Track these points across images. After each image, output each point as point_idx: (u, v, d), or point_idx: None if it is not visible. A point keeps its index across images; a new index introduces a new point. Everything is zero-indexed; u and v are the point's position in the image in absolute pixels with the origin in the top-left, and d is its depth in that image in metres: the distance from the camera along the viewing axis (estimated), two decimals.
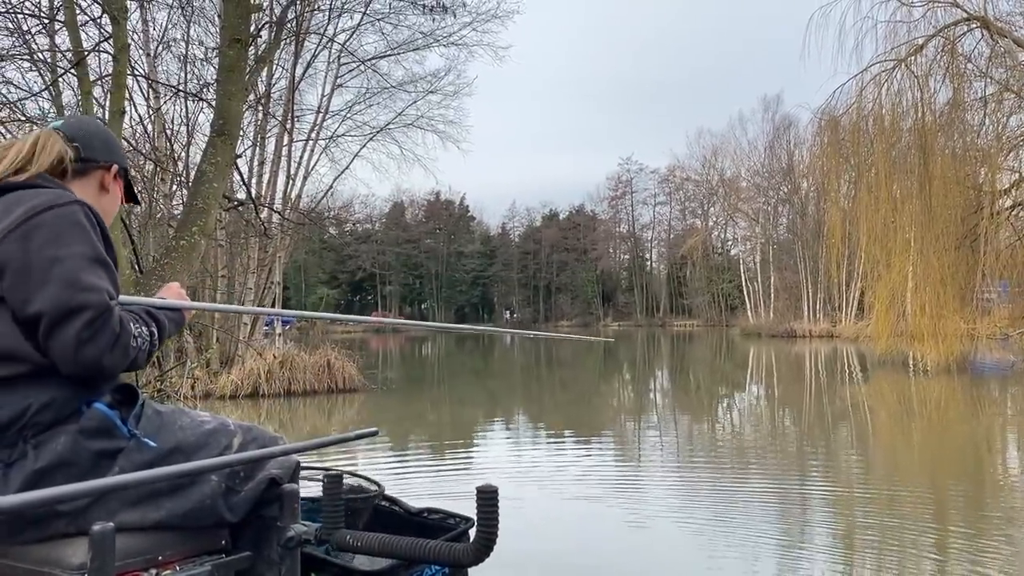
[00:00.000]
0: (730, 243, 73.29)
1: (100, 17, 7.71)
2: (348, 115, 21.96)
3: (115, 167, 1.83)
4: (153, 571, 1.52)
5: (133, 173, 2.11)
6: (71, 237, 1.54)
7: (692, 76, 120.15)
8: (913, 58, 14.47)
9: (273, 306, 19.23)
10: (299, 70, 18.81)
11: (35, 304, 1.49)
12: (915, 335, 14.78)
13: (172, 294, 1.87)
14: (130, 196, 1.94)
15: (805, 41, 16.98)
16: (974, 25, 14.47)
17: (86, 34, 8.07)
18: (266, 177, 18.55)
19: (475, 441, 9.86)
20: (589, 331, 68.95)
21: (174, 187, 14.49)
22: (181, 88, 13.55)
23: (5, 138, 8.60)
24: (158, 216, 14.07)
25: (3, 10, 7.91)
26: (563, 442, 9.49)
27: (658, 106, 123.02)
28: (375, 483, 2.66)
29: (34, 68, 9.73)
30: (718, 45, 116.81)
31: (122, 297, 1.66)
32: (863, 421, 11.54)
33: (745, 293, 60.13)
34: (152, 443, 1.59)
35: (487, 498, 1.35)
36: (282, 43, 15.42)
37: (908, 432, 10.48)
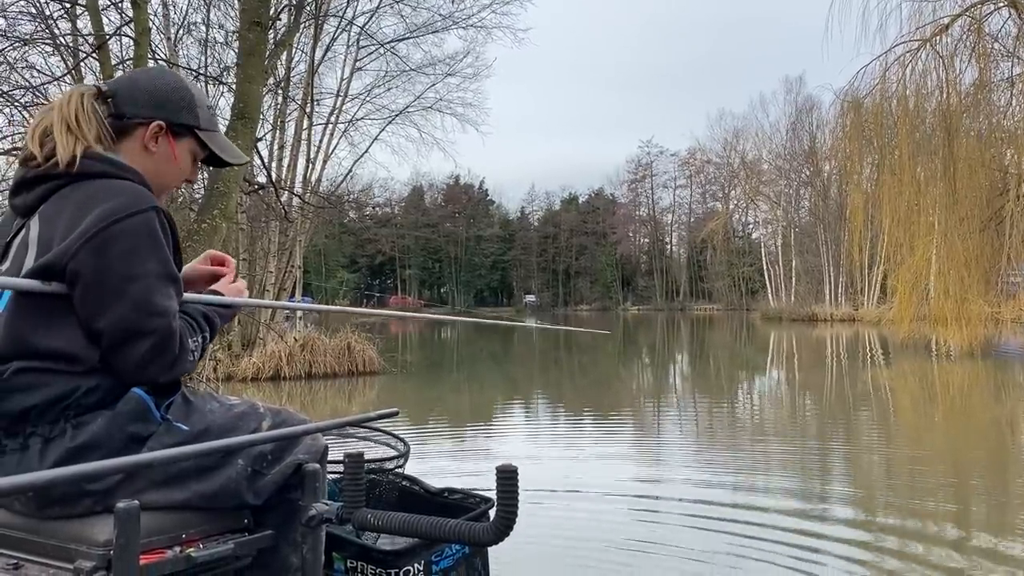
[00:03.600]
0: (751, 226, 72.94)
1: (121, 1, 7.75)
2: (367, 98, 21.98)
3: (155, 124, 1.68)
4: (177, 549, 1.54)
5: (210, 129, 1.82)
6: (145, 252, 1.52)
7: (713, 57, 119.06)
8: (938, 38, 14.24)
9: (293, 291, 19.35)
10: (318, 53, 18.84)
11: (103, 321, 1.50)
12: (938, 319, 14.63)
13: (232, 291, 1.85)
14: (212, 160, 1.82)
15: (828, 21, 16.74)
16: (1001, 4, 14.21)
17: (107, 18, 8.11)
18: (286, 161, 18.61)
19: (494, 422, 9.90)
20: (608, 315, 68.85)
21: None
22: (201, 72, 13.59)
23: (28, 123, 8.67)
24: (179, 199, 14.16)
25: None
26: (582, 424, 9.50)
27: (679, 88, 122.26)
28: (402, 441, 2.68)
29: (56, 53, 9.81)
30: (740, 26, 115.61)
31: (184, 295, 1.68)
32: (885, 403, 11.48)
33: (766, 277, 59.79)
34: (183, 427, 1.61)
35: (507, 478, 1.35)
36: (301, 26, 15.42)
37: (930, 414, 10.42)
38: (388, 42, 20.60)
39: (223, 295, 1.83)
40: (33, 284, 1.49)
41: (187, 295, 1.71)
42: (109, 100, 1.68)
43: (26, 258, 1.55)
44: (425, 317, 15.65)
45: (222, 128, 2.25)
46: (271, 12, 7.58)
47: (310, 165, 19.54)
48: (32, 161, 1.60)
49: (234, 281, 1.89)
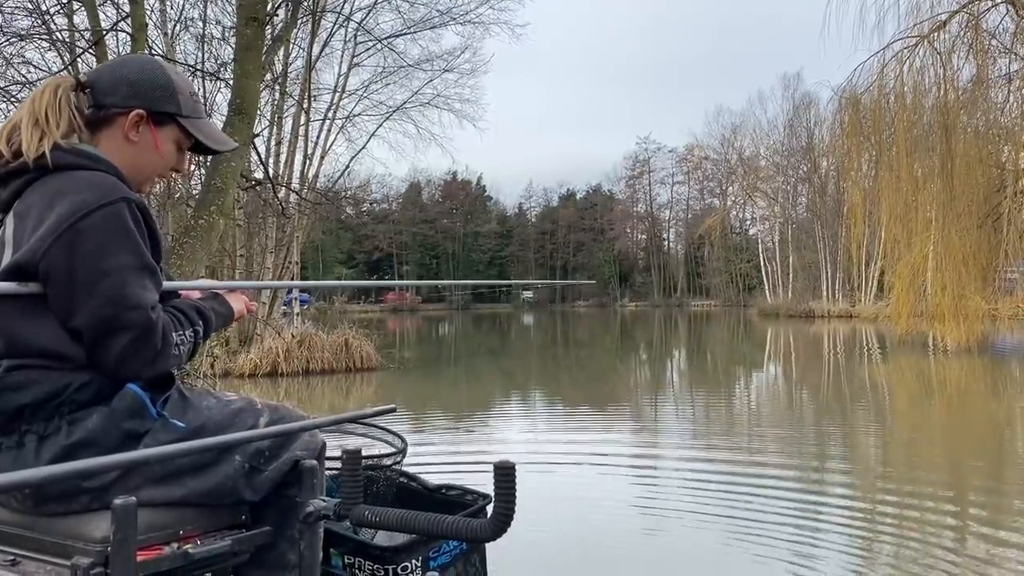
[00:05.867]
0: (748, 223, 72.95)
1: None
2: (364, 94, 22.00)
3: (134, 113, 1.64)
4: (174, 545, 1.54)
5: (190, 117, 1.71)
6: (118, 245, 1.49)
7: (711, 54, 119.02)
8: (936, 34, 14.24)
9: None
10: (316, 49, 18.82)
11: (78, 318, 1.48)
12: (935, 315, 14.66)
13: (236, 300, 1.82)
14: (202, 147, 1.77)
15: (826, 18, 16.86)
16: (999, 1, 14.22)
17: (104, 14, 8.08)
18: (283, 157, 18.61)
19: (492, 418, 9.90)
20: (605, 311, 68.90)
21: (192, 166, 14.54)
22: (199, 67, 13.55)
23: None
24: (176, 196, 14.14)
25: None
26: (580, 419, 9.51)
27: (677, 84, 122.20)
28: (400, 437, 2.68)
29: (53, 48, 9.77)
30: (738, 22, 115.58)
31: (172, 284, 1.66)
32: (881, 400, 11.49)
33: (763, 273, 59.80)
34: (179, 423, 1.60)
35: (504, 474, 1.34)
36: (299, 22, 15.39)
37: (927, 411, 10.43)
38: (385, 38, 20.59)
39: (221, 296, 1.81)
40: (9, 287, 1.48)
41: (177, 284, 1.69)
42: (88, 91, 1.65)
43: (3, 257, 1.54)
44: (421, 284, 15.70)
45: (219, 122, 2.23)
46: (268, 8, 7.56)
47: (307, 161, 19.54)
48: (1, 159, 1.58)
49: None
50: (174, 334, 1.58)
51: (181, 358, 1.61)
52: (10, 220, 1.56)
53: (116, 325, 1.49)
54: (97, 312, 1.48)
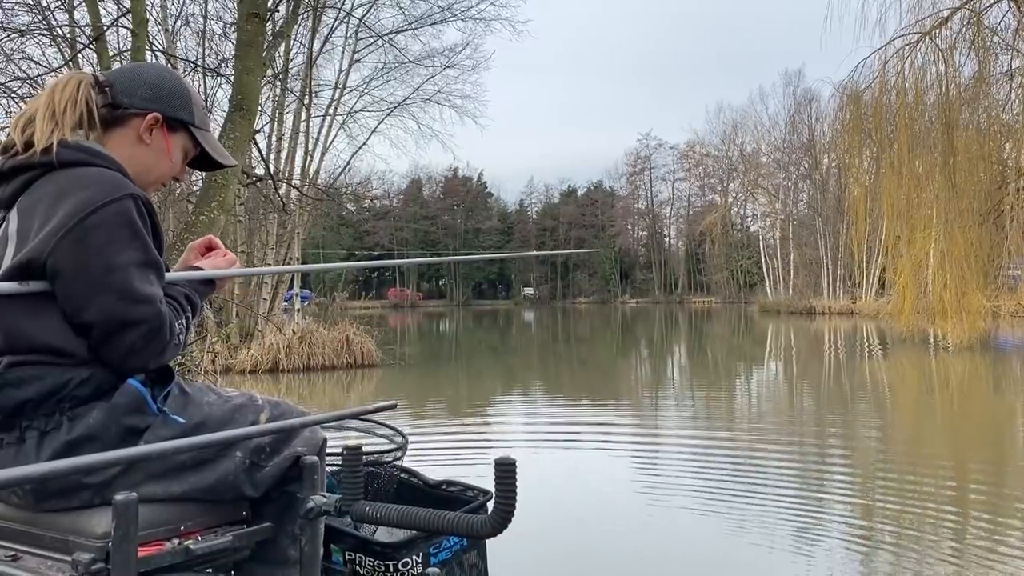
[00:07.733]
0: (749, 219, 72.96)
1: None
2: (365, 90, 21.96)
3: (151, 115, 1.67)
4: (175, 540, 1.54)
5: (202, 130, 1.80)
6: (124, 241, 1.50)
7: (713, 50, 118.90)
8: (938, 31, 14.20)
9: (292, 282, 19.35)
10: (317, 45, 18.80)
11: (88, 314, 1.49)
12: (937, 312, 14.63)
13: (222, 265, 1.81)
14: (204, 162, 1.80)
15: (827, 14, 16.64)
16: None
17: (104, 9, 8.06)
18: (284, 153, 18.61)
19: (493, 414, 9.90)
20: (606, 308, 68.94)
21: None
22: (199, 63, 13.54)
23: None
24: (177, 191, 14.13)
25: None
26: (581, 416, 9.51)
27: (678, 81, 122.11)
28: (400, 433, 2.68)
29: (53, 44, 9.77)
30: (739, 19, 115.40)
31: (169, 276, 1.66)
32: (882, 397, 11.49)
33: (764, 270, 59.82)
34: (179, 419, 1.60)
35: (505, 470, 1.35)
36: (300, 18, 15.38)
37: (928, 408, 10.44)
38: (387, 34, 20.56)
39: (204, 269, 1.79)
40: (11, 287, 1.48)
41: (170, 274, 1.69)
42: (107, 89, 1.66)
43: (6, 253, 1.54)
44: (424, 262, 15.71)
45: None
46: (269, 3, 7.55)
47: (308, 157, 19.53)
48: (12, 149, 1.58)
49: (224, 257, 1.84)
50: (176, 324, 1.60)
51: (180, 346, 1.63)
52: (14, 216, 1.56)
53: (127, 320, 1.50)
54: (108, 307, 1.49)
